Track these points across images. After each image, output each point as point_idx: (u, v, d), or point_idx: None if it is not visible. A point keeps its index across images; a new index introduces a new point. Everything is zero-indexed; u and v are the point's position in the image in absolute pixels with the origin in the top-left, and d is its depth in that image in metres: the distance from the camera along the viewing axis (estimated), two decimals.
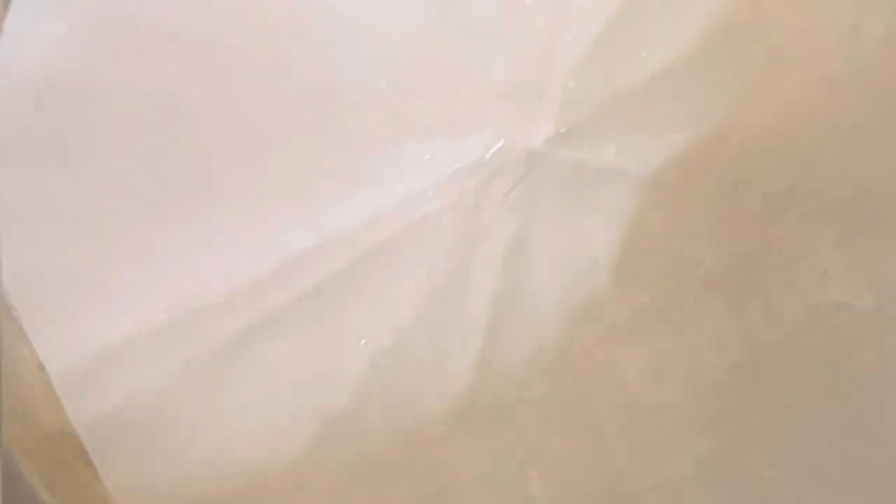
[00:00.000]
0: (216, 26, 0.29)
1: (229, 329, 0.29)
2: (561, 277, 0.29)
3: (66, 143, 0.29)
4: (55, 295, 0.28)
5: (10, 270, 0.28)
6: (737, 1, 0.29)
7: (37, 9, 0.29)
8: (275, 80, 0.29)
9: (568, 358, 0.29)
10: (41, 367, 0.29)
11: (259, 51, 0.29)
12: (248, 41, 0.29)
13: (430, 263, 0.29)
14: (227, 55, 0.29)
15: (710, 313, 0.28)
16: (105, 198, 0.29)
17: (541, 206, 0.29)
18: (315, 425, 0.29)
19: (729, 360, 0.28)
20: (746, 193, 0.29)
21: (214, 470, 0.28)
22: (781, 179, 0.29)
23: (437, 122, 0.29)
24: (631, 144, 0.29)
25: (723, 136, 0.29)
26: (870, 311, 0.28)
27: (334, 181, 0.29)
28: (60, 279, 0.28)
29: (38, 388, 0.29)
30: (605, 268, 0.29)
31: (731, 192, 0.29)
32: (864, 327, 0.28)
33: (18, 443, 0.29)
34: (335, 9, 0.29)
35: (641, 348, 0.29)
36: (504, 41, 0.29)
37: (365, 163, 0.29)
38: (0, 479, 0.28)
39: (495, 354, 0.29)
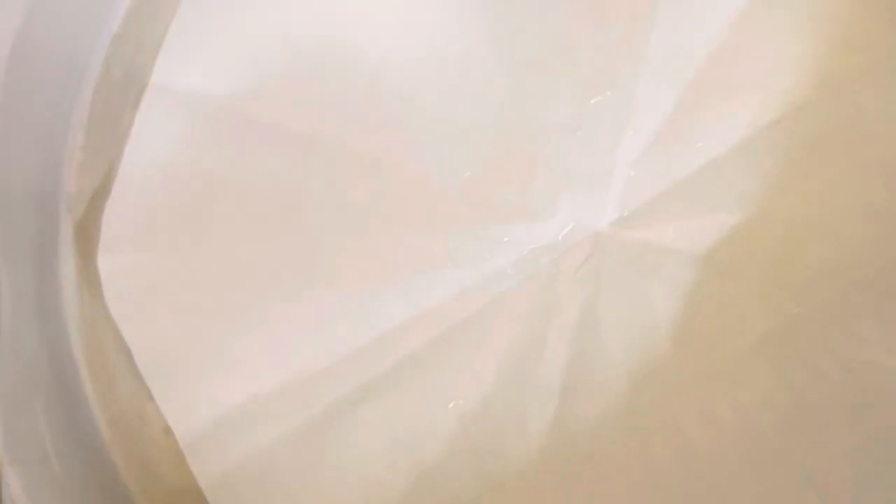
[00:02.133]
0: (319, 120, 0.33)
1: (335, 394, 0.32)
2: (627, 343, 0.33)
3: (189, 230, 0.32)
4: (180, 365, 0.32)
5: (138, 342, 0.32)
6: (779, 99, 0.33)
7: (161, 110, 0.33)
8: (372, 170, 0.33)
9: (633, 415, 0.32)
10: (167, 430, 0.32)
11: (358, 144, 0.33)
12: (348, 134, 0.33)
13: (510, 333, 0.33)
14: (328, 148, 0.33)
15: (759, 374, 0.32)
16: (225, 278, 0.32)
17: (607, 280, 0.33)
18: (410, 478, 0.32)
19: (776, 415, 0.32)
20: (790, 268, 0.32)
21: None
22: (821, 255, 0.32)
23: (515, 207, 0.33)
24: (687, 226, 0.33)
25: (766, 217, 0.33)
26: None
27: (426, 261, 0.33)
28: (185, 351, 0.32)
29: (163, 448, 0.33)
30: (666, 335, 0.33)
31: (777, 267, 0.32)
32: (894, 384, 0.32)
33: (144, 494, 0.33)
34: (425, 104, 0.33)
35: (698, 405, 0.32)
36: (574, 135, 0.33)
37: (453, 244, 0.33)
38: None
39: (569, 414, 0.32)
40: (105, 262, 0.32)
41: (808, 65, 0.33)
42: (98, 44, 0.33)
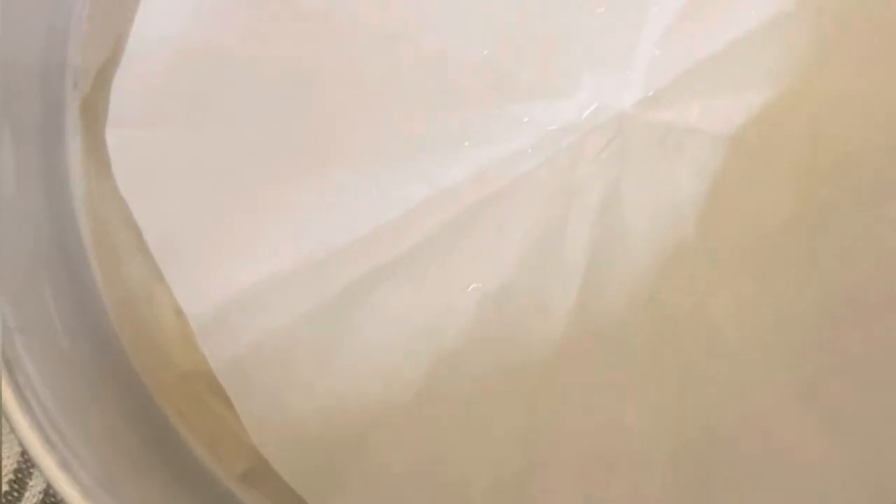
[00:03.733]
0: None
1: (351, 276, 0.31)
2: (651, 226, 0.32)
3: (199, 106, 0.31)
4: (192, 245, 0.31)
5: (149, 222, 0.31)
6: None
7: None
8: (389, 48, 0.32)
9: (658, 300, 0.31)
10: (178, 312, 0.31)
11: (374, 20, 0.32)
12: (364, 11, 0.32)
13: (531, 215, 0.32)
14: (343, 24, 0.32)
15: (789, 258, 0.31)
16: (237, 156, 0.31)
17: (631, 162, 0.32)
18: (428, 363, 0.31)
19: (807, 301, 0.31)
20: (821, 148, 0.31)
21: (338, 403, 0.31)
22: (854, 135, 0.31)
23: (535, 86, 0.32)
24: (713, 106, 0.32)
25: (797, 96, 0.32)
26: None
27: (444, 141, 0.32)
28: (197, 231, 0.31)
29: (174, 330, 0.32)
30: (691, 217, 0.31)
31: (807, 147, 0.31)
32: None
33: (154, 379, 0.32)
34: None
35: (725, 291, 0.31)
36: (596, 12, 0.32)
37: (471, 124, 0.32)
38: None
39: (592, 297, 0.31)
40: (113, 138, 0.31)
41: None
42: None
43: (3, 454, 0.31)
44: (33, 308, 0.28)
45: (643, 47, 0.32)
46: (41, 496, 0.32)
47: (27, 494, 0.32)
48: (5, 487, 0.31)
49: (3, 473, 0.31)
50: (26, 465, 0.32)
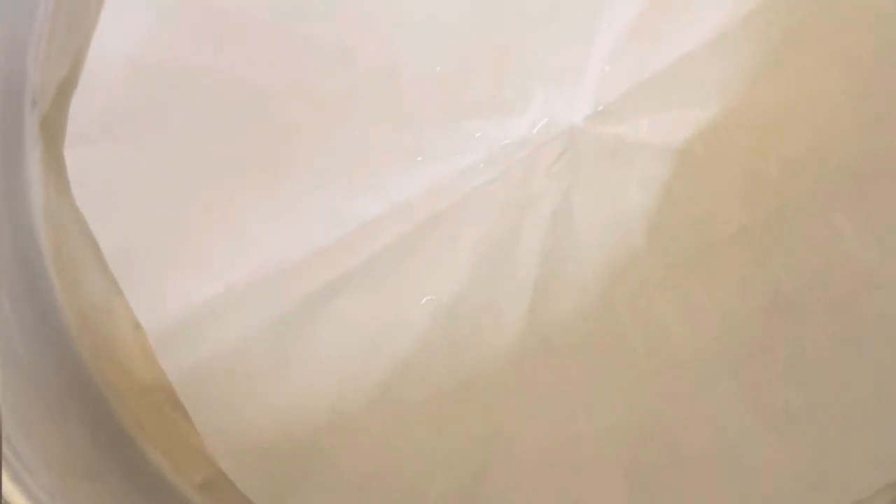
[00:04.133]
0: (286, 14, 0.32)
1: (306, 289, 0.32)
2: (602, 237, 0.32)
3: (156, 122, 0.32)
4: (149, 259, 0.32)
5: (107, 236, 0.32)
6: None
7: (128, 1, 0.32)
8: (340, 62, 0.32)
9: (609, 308, 0.32)
10: (136, 325, 0.32)
11: (327, 37, 0.32)
12: (317, 28, 0.32)
13: (483, 228, 0.32)
14: (297, 41, 0.32)
15: (737, 265, 0.32)
16: (190, 171, 0.32)
17: (582, 175, 0.33)
18: (382, 372, 0.32)
19: (755, 305, 0.31)
20: (766, 160, 0.32)
21: (294, 413, 0.31)
22: (800, 146, 0.32)
23: (487, 102, 0.33)
24: (661, 120, 0.33)
25: (744, 109, 0.32)
26: (874, 261, 0.31)
27: (398, 155, 0.32)
28: (153, 245, 0.32)
29: (133, 343, 0.33)
30: (640, 228, 0.32)
31: (754, 158, 0.32)
32: (871, 274, 0.31)
33: (113, 390, 0.32)
34: None
35: (675, 297, 0.32)
36: (547, 29, 0.33)
37: (424, 139, 0.32)
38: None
39: (543, 308, 0.32)
40: (72, 155, 0.31)
41: None
42: None
43: None
44: None
45: (594, 62, 0.33)
46: None
47: None
48: None
49: None
50: None
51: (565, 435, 0.31)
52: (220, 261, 0.32)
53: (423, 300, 0.32)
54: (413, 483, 0.31)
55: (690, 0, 0.33)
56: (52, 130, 0.33)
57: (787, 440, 0.30)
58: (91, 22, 0.32)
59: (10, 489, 0.26)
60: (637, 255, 0.32)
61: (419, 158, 0.32)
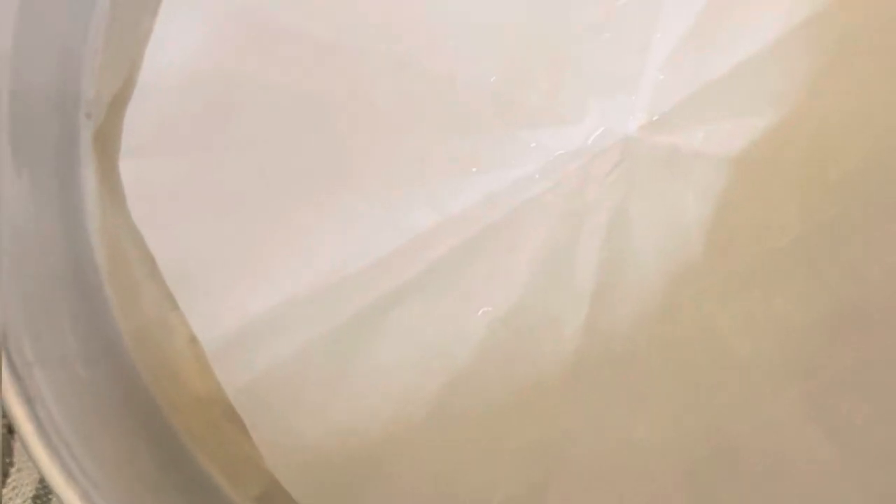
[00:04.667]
0: (340, 25, 0.32)
1: (364, 300, 0.32)
2: (658, 247, 0.32)
3: (211, 134, 0.32)
4: (205, 272, 0.32)
5: (162, 250, 0.32)
6: None
7: (182, 12, 0.32)
8: (397, 74, 0.32)
9: (667, 318, 0.32)
10: (192, 339, 0.32)
11: (381, 47, 0.32)
12: (371, 40, 0.32)
13: (539, 238, 0.32)
14: (352, 51, 0.32)
15: (796, 275, 0.31)
16: (247, 183, 0.32)
17: (638, 185, 0.32)
18: (439, 384, 0.31)
19: (814, 316, 0.31)
20: (824, 168, 0.32)
21: (352, 425, 0.31)
22: (858, 154, 0.31)
23: (542, 112, 0.32)
24: (717, 129, 0.32)
25: (800, 117, 0.32)
26: None
27: (454, 166, 0.32)
28: (209, 258, 0.32)
29: (189, 356, 0.32)
30: (697, 237, 0.32)
31: (811, 167, 0.32)
32: None
33: (170, 405, 0.32)
34: (450, 7, 0.32)
35: (735, 307, 0.31)
36: (601, 38, 0.33)
37: (480, 149, 0.32)
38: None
39: (602, 317, 0.32)
40: (127, 168, 0.31)
41: None
42: None
43: (23, 480, 0.32)
44: (51, 340, 0.29)
45: (648, 72, 0.33)
46: None
47: None
48: None
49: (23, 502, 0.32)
50: (44, 492, 0.32)
51: (625, 446, 0.31)
52: (276, 273, 0.32)
53: (480, 311, 0.32)
54: (473, 495, 0.31)
55: (745, 8, 0.32)
56: (107, 144, 0.32)
57: (851, 452, 0.30)
58: (145, 33, 0.32)
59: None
60: (695, 265, 0.32)
61: (475, 169, 0.32)
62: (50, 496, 0.32)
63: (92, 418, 0.29)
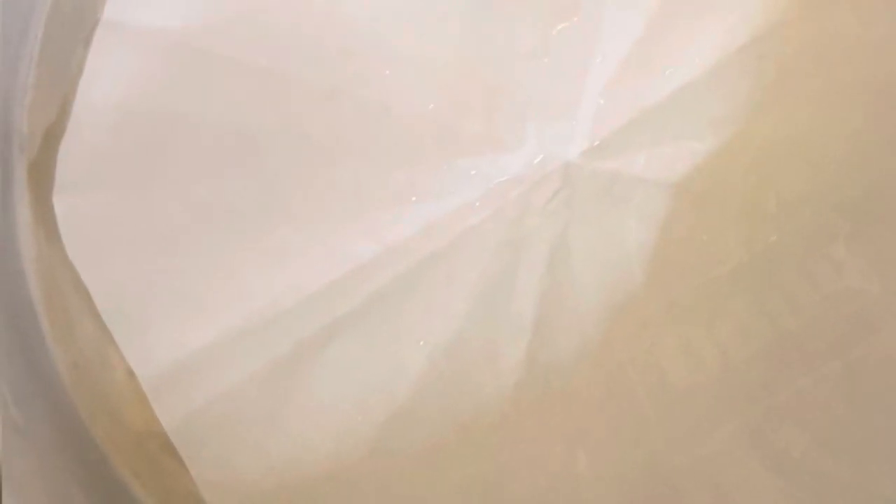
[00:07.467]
0: (273, 55, 0.32)
1: (301, 334, 0.31)
2: (599, 276, 0.32)
3: (145, 169, 0.32)
4: (141, 308, 0.31)
5: (98, 285, 0.31)
6: (750, 21, 0.32)
7: (114, 46, 0.32)
8: (330, 104, 0.32)
9: (608, 349, 0.31)
10: (131, 373, 0.32)
11: (314, 76, 0.32)
12: (303, 68, 0.32)
13: (479, 268, 0.32)
14: (284, 83, 0.32)
15: (736, 305, 0.31)
16: (182, 218, 0.31)
17: (578, 212, 0.32)
18: (380, 419, 0.31)
19: (754, 346, 0.31)
20: (764, 195, 0.32)
21: (291, 460, 0.31)
22: (798, 180, 0.31)
23: (481, 139, 0.32)
24: (658, 154, 0.32)
25: (740, 142, 0.32)
26: (877, 295, 0.31)
27: (391, 197, 0.32)
28: (145, 293, 0.31)
29: (127, 391, 0.32)
30: (638, 266, 0.32)
31: (751, 193, 0.32)
32: (873, 311, 0.31)
33: (108, 439, 0.32)
34: (382, 36, 0.32)
35: (675, 337, 0.31)
36: (539, 63, 0.32)
37: (417, 179, 0.32)
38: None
39: (542, 348, 0.32)
40: (61, 203, 0.31)
41: None
42: None
43: None
44: None
45: (587, 97, 0.32)
46: None
47: None
48: None
49: None
50: None
51: (566, 478, 0.31)
52: (212, 308, 0.31)
53: (420, 343, 0.32)
54: None
55: (683, 33, 0.32)
56: (41, 177, 0.32)
57: (788, 483, 0.30)
58: (77, 68, 0.31)
59: None
60: (636, 294, 0.32)
61: (413, 198, 0.32)
62: None
63: (25, 457, 0.29)
